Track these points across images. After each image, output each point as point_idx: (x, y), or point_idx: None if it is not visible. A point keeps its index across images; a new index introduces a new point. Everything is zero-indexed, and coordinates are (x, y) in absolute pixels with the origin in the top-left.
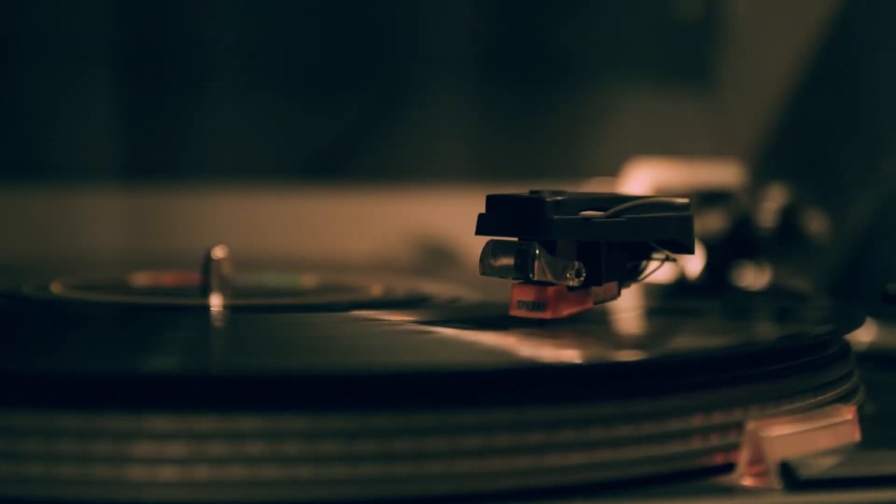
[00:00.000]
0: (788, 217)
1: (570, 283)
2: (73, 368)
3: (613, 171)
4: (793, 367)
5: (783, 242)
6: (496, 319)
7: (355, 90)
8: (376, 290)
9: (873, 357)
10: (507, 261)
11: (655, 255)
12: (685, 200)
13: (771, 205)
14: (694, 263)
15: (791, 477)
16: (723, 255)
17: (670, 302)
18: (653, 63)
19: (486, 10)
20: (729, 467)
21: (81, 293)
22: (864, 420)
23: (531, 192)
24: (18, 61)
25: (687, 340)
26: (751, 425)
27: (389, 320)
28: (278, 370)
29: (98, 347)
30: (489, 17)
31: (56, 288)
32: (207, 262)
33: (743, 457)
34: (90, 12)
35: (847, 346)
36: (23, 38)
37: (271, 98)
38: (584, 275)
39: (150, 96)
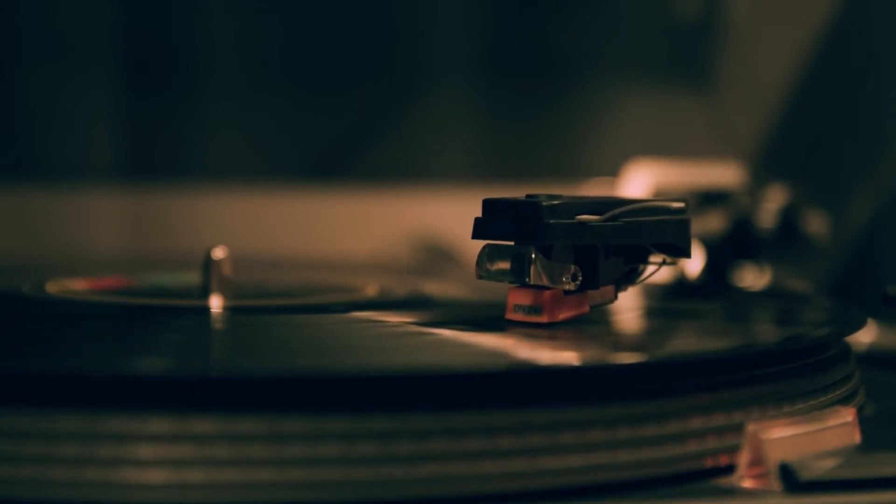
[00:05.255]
0: (788, 217)
1: (567, 287)
2: (72, 369)
3: (613, 171)
4: (793, 369)
5: (783, 243)
6: (496, 321)
7: (355, 90)
8: (374, 290)
9: (873, 358)
10: (504, 265)
11: (652, 259)
12: (682, 204)
13: (771, 205)
14: (694, 264)
15: (791, 479)
16: (723, 256)
17: (670, 303)
18: (653, 63)
19: (486, 10)
20: (729, 469)
21: (81, 293)
22: (864, 422)
23: (527, 196)
24: (18, 61)
25: (687, 342)
26: (751, 427)
27: (388, 321)
28: (277, 372)
29: (97, 348)
30: (489, 17)
31: (55, 288)
32: (207, 263)
33: (743, 458)
34: (90, 12)
35: (847, 348)
36: (22, 38)
37: (271, 98)
38: (580, 279)
39: (150, 96)
